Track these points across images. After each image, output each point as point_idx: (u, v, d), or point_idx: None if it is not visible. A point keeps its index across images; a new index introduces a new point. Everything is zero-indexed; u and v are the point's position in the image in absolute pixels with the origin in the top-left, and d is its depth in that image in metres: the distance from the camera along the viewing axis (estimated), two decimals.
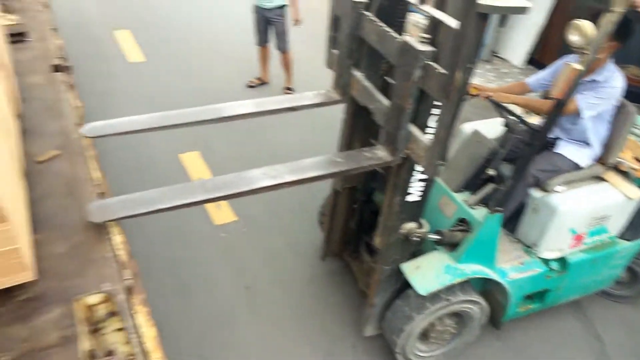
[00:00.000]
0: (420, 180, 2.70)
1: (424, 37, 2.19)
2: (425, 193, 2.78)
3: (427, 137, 2.37)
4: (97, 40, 7.48)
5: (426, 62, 2.15)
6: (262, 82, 6.77)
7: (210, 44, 7.77)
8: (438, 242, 3.08)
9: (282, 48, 6.26)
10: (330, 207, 3.71)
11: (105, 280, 1.77)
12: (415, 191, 2.74)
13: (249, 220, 4.54)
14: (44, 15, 3.99)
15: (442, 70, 2.09)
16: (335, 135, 3.35)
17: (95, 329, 0.77)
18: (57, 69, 3.13)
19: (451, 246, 3.10)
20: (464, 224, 3.15)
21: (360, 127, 3.15)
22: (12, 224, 1.53)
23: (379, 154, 2.50)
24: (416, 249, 3.07)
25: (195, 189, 2.18)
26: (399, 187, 2.69)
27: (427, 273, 2.99)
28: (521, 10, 1.92)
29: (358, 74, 2.78)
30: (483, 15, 1.90)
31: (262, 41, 6.33)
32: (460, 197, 3.23)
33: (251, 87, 6.70)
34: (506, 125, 3.10)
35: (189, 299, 3.73)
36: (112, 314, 0.80)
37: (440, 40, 2.24)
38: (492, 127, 3.35)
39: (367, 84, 2.71)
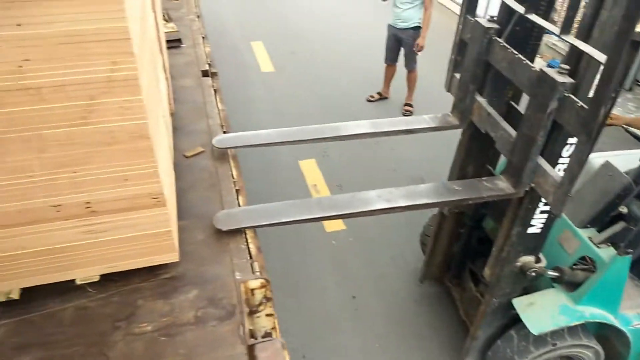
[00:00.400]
0: (543, 212, 2.57)
1: (563, 68, 2.08)
2: (547, 226, 2.63)
3: (556, 172, 2.25)
4: (235, 49, 8.10)
5: (565, 94, 2.06)
6: (382, 97, 6.88)
7: (336, 57, 8.03)
8: (556, 280, 2.90)
9: (410, 67, 6.34)
10: (435, 229, 3.64)
11: (237, 269, 1.94)
12: (536, 223, 2.61)
13: (356, 230, 4.62)
14: (196, 24, 4.43)
15: (583, 104, 1.99)
16: (451, 153, 3.30)
17: (251, 311, 0.87)
18: (205, 74, 3.47)
19: (570, 285, 2.90)
20: (586, 262, 2.93)
21: (476, 152, 3.07)
22: (168, 209, 1.75)
23: (500, 185, 2.40)
24: (529, 284, 2.92)
25: (312, 206, 2.30)
26: (519, 218, 2.58)
27: (541, 311, 2.82)
28: None
29: (481, 100, 2.71)
30: (636, 44, 1.79)
31: (390, 59, 6.48)
32: (585, 234, 2.98)
33: (370, 101, 6.83)
34: None
35: (299, 300, 3.90)
36: (267, 299, 0.90)
37: (582, 71, 2.14)
38: (626, 160, 3.08)
39: (491, 110, 2.63)
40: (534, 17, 2.38)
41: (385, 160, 5.62)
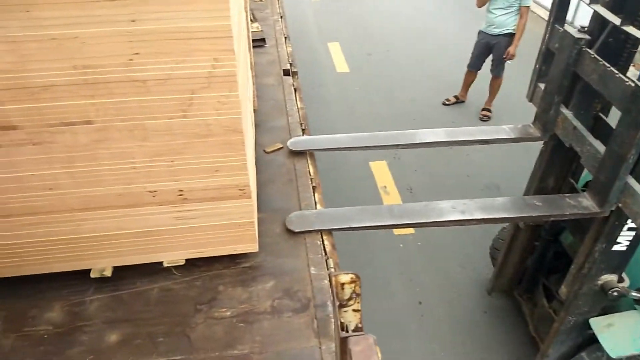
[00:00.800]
0: (631, 229, 2.39)
1: None
2: (634, 244, 2.46)
3: None
4: (312, 49, 8.21)
5: None
6: (459, 101, 6.71)
7: (412, 60, 7.93)
8: (639, 302, 2.71)
9: (496, 73, 6.13)
10: (508, 241, 3.49)
11: (312, 264, 1.98)
12: (622, 240, 2.43)
13: (425, 235, 4.54)
14: (279, 24, 4.55)
15: None
16: (530, 163, 3.17)
17: (340, 305, 0.90)
18: (286, 72, 3.55)
19: None
20: None
21: (558, 166, 2.92)
22: (252, 201, 1.82)
23: (585, 203, 2.28)
24: (609, 304, 2.75)
25: (383, 213, 2.30)
26: (603, 235, 2.42)
27: (621, 334, 2.64)
28: None
29: (566, 112, 2.57)
30: None
31: (475, 66, 6.30)
32: None
33: (446, 104, 6.68)
34: None
35: (366, 301, 3.87)
36: (357, 294, 0.91)
37: None
38: None
39: (577, 123, 2.49)
40: (630, 29, 2.24)
41: (459, 165, 5.47)
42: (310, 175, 2.51)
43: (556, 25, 2.56)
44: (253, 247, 1.94)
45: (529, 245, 3.43)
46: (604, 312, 2.81)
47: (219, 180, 1.71)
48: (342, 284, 0.91)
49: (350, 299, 0.91)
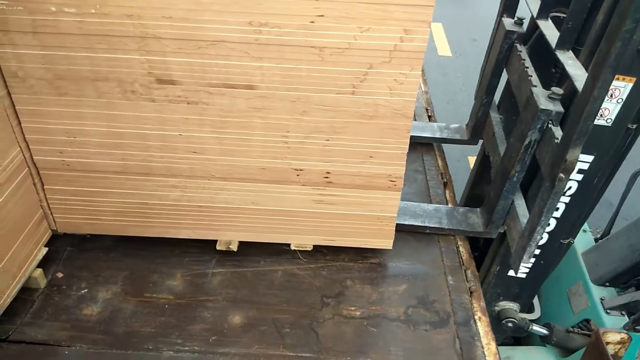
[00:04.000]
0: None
1: (555, 93, 1.53)
2: (537, 273, 2.08)
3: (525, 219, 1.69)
4: None
5: (549, 125, 1.52)
6: None
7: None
8: (545, 339, 2.31)
9: None
10: None
11: (449, 273, 1.78)
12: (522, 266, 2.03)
13: None
14: None
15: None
16: None
17: None
18: None
19: (565, 350, 2.28)
20: (589, 327, 2.29)
21: (487, 174, 2.49)
22: (400, 195, 1.63)
23: (472, 220, 1.91)
24: (519, 335, 2.35)
25: None
26: (498, 256, 2.05)
27: None
28: None
29: (494, 115, 2.16)
30: None
31: None
32: (599, 293, 2.34)
33: None
34: None
35: None
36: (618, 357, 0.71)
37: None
38: None
39: (498, 130, 2.07)
40: (543, 25, 1.84)
41: None
42: (439, 169, 2.28)
43: (503, 16, 2.08)
44: (388, 244, 1.75)
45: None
46: (517, 342, 2.48)
47: (371, 168, 1.53)
48: (607, 343, 0.70)
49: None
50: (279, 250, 1.79)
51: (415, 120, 2.55)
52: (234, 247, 1.74)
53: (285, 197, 1.61)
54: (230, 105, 1.40)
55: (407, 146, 1.49)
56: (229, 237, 1.74)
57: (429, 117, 2.65)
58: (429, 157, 2.35)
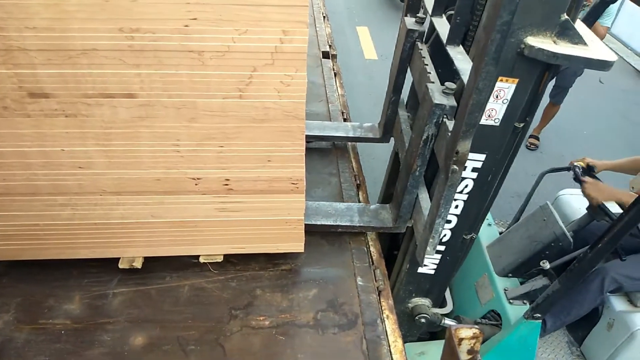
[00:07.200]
0: (437, 252, 2.11)
1: (449, 88, 1.63)
2: (445, 269, 2.17)
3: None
4: (340, 33, 7.92)
5: (443, 119, 1.61)
6: None
7: None
8: None
9: (556, 100, 5.56)
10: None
11: (359, 274, 1.78)
12: (428, 263, 2.15)
13: None
14: (317, 2, 4.29)
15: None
16: None
17: None
18: (325, 55, 3.31)
19: None
20: (496, 318, 2.44)
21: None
22: (304, 197, 1.61)
23: (383, 216, 1.96)
24: (434, 329, 2.45)
25: None
26: (408, 253, 2.16)
27: None
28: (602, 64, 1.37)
29: (402, 113, 2.26)
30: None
31: None
32: (502, 284, 2.46)
33: None
34: (589, 208, 2.36)
35: None
36: (475, 351, 0.72)
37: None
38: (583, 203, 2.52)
39: (405, 127, 2.17)
40: (437, 22, 1.93)
41: None
42: (353, 171, 2.30)
43: (407, 16, 2.10)
44: (299, 247, 1.73)
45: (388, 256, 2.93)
46: (435, 337, 2.59)
47: (270, 172, 1.51)
48: (461, 340, 0.71)
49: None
50: (187, 264, 1.73)
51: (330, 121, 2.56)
52: (138, 264, 1.66)
53: (186, 208, 1.56)
54: (112, 116, 1.33)
55: (304, 148, 1.47)
56: (130, 254, 1.66)
57: (345, 119, 2.67)
58: (344, 160, 2.36)
